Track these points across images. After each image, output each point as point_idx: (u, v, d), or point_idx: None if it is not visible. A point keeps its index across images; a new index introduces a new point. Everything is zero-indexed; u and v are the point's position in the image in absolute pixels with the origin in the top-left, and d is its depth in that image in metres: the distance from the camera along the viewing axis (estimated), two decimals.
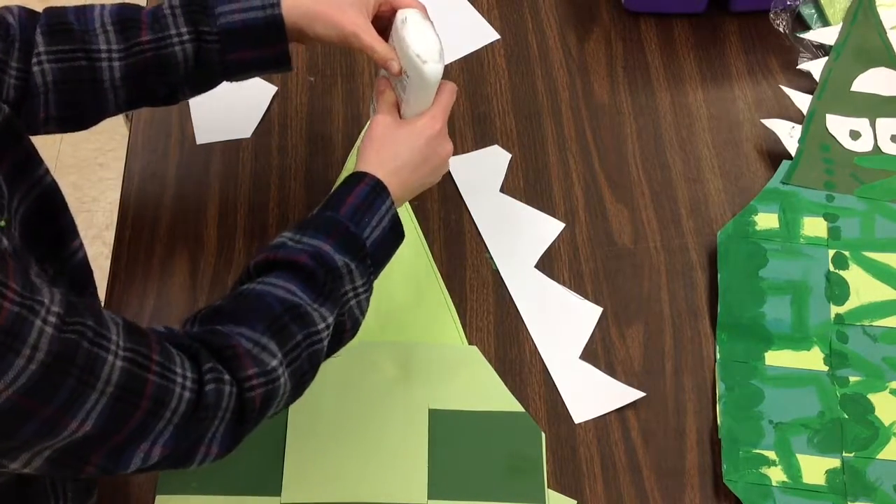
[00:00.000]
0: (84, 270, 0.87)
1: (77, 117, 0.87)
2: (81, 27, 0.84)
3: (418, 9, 0.85)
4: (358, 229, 0.78)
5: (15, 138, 0.78)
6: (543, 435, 0.90)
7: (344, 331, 0.78)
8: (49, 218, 0.83)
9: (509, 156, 1.07)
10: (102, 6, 0.86)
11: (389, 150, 0.83)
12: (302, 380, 0.74)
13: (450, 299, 0.97)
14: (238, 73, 0.87)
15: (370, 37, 0.84)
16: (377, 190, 0.81)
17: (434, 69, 0.81)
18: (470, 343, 0.95)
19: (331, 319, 0.75)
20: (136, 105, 0.89)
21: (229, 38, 0.84)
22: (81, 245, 0.87)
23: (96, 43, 0.84)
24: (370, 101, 0.92)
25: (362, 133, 1.04)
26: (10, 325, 0.56)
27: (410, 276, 0.98)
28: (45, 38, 0.83)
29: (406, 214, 1.02)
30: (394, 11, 0.85)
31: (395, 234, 0.82)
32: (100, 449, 0.63)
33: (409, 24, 0.82)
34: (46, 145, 2.11)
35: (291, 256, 0.75)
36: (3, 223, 0.72)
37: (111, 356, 0.62)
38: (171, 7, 0.84)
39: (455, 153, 1.07)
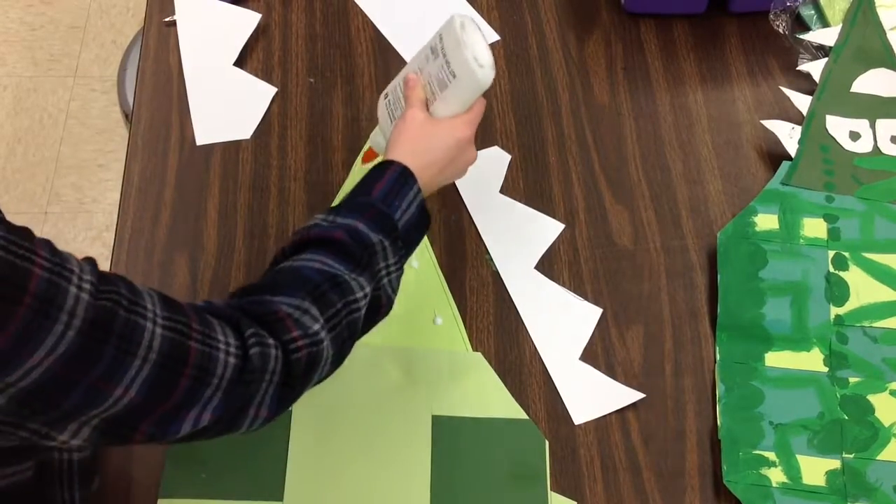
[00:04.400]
0: None
1: None
2: None
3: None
4: (390, 210, 0.80)
5: None
6: (547, 443, 0.90)
7: (380, 306, 0.78)
8: None
9: (509, 157, 1.07)
10: None
11: (423, 144, 0.85)
12: (342, 347, 0.74)
13: (454, 305, 0.97)
14: None
15: None
16: (405, 176, 0.82)
17: (488, 75, 0.82)
18: (472, 346, 0.95)
19: (368, 289, 0.75)
20: None
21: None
22: None
23: None
24: (381, 98, 0.92)
25: (365, 147, 1.04)
26: (43, 292, 0.55)
27: (416, 282, 0.98)
28: None
29: None
30: None
31: (422, 219, 0.83)
32: (148, 417, 0.63)
33: (467, 28, 0.83)
34: (46, 145, 2.13)
35: (326, 234, 0.76)
36: None
37: (150, 323, 0.61)
38: None
39: None
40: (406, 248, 0.81)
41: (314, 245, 0.76)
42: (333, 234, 0.76)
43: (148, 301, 0.63)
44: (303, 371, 0.70)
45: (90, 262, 0.62)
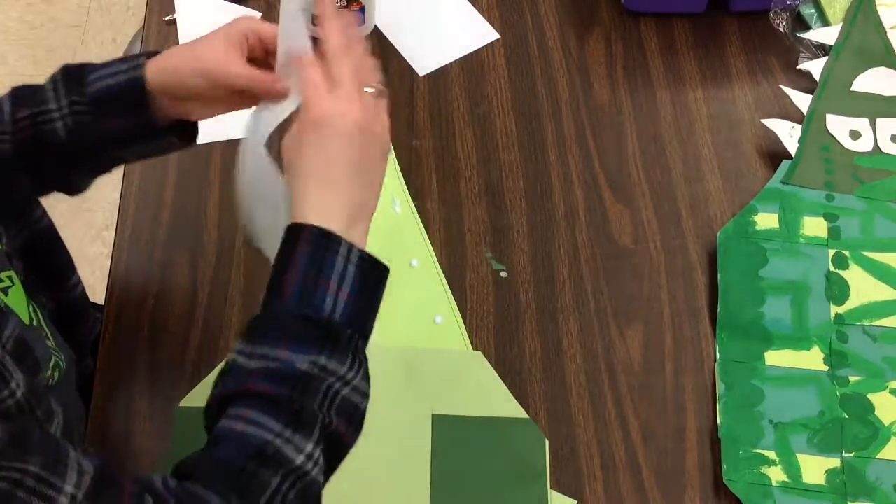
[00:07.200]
0: (82, 305, 0.86)
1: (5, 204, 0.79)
2: None
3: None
4: (314, 312, 0.62)
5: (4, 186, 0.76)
6: (547, 442, 0.90)
7: (340, 436, 0.63)
8: (46, 254, 0.81)
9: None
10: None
11: (315, 160, 0.66)
12: None
13: (455, 304, 0.97)
14: (119, 147, 0.78)
15: (239, 67, 0.73)
16: (321, 242, 0.63)
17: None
18: (472, 345, 0.95)
19: (310, 447, 0.61)
20: (43, 191, 0.82)
21: (99, 106, 0.74)
22: (79, 282, 0.86)
23: None
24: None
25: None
26: None
27: (416, 280, 0.98)
28: None
29: (411, 217, 1.02)
30: (264, 49, 0.76)
31: (371, 280, 0.64)
32: None
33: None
34: None
35: (246, 385, 0.61)
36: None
37: None
38: (54, 80, 0.76)
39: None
40: (360, 332, 0.64)
41: (237, 400, 0.62)
42: (254, 386, 0.61)
43: (70, 481, 0.53)
44: None
45: (14, 430, 0.52)
